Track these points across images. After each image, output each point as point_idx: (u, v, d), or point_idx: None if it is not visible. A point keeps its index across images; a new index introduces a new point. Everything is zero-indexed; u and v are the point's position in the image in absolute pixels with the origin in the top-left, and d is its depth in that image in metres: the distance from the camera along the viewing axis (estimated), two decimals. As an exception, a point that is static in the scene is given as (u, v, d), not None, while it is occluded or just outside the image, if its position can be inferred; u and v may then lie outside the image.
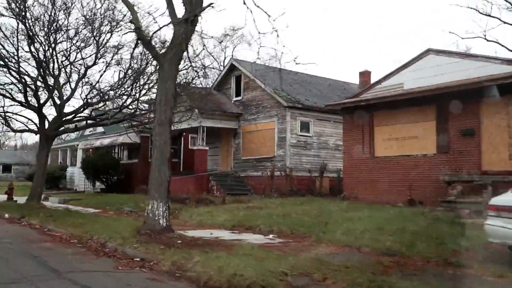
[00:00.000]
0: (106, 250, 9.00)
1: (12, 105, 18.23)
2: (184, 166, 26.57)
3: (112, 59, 16.96)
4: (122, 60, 17.13)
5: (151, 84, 16.62)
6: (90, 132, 36.00)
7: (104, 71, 17.18)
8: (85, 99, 17.32)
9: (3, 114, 19.03)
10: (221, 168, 23.38)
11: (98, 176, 25.93)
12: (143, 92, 17.18)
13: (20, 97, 17.54)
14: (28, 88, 16.85)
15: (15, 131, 19.33)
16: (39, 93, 17.55)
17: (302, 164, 20.27)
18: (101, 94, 16.69)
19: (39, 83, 17.39)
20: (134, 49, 11.49)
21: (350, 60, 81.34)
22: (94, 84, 17.18)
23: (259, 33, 10.43)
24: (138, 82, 16.52)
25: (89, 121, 18.45)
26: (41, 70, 16.16)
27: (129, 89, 16.82)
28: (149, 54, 14.68)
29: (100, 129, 35.18)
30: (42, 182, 17.69)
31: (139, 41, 10.23)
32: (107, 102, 17.11)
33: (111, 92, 17.34)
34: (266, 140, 21.01)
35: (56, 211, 15.73)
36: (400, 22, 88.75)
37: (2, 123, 19.32)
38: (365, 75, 26.86)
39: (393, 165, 15.81)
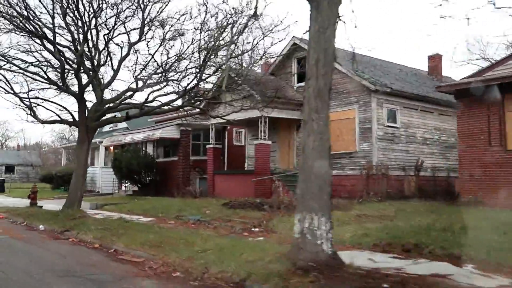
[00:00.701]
0: (254, 297, 5.55)
1: (43, 89, 14.66)
2: (229, 165, 23.11)
3: (170, 29, 13.44)
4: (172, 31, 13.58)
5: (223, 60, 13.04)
6: (110, 128, 32.52)
7: (160, 45, 13.65)
8: (136, 80, 13.81)
9: (28, 101, 15.49)
10: (280, 166, 19.88)
11: (132, 176, 22.42)
12: (209, 71, 13.65)
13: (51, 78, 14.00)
14: (66, 67, 13.28)
15: (44, 122, 15.75)
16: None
17: (391, 160, 16.79)
18: (159, 72, 13.13)
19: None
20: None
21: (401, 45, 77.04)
22: (147, 62, 13.65)
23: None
24: (210, 58, 12.94)
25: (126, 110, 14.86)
26: (87, 44, 12.68)
27: (197, 65, 13.27)
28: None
29: (122, 124, 31.73)
30: (83, 185, 14.15)
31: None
32: (167, 84, 13.58)
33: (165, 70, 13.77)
34: (342, 133, 17.50)
35: (108, 222, 12.18)
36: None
37: (27, 113, 15.71)
38: (435, 59, 23.40)
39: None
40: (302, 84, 19.54)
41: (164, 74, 13.30)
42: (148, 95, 13.82)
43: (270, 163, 18.40)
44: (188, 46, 13.56)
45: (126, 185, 23.84)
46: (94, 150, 32.92)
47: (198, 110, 15.39)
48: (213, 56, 12.99)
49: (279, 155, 20.19)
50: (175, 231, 10.81)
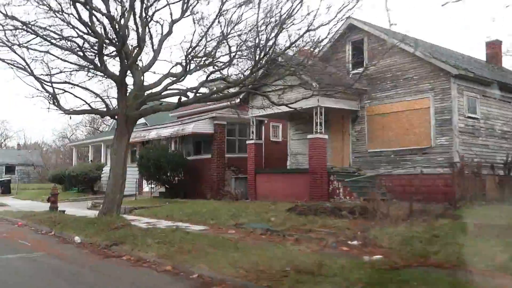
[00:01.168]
0: None
1: (72, 72, 12.24)
2: (266, 163, 20.73)
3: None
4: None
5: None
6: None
7: (219, 14, 11.25)
8: (186, 60, 11.44)
9: (50, 86, 13.06)
10: (333, 163, 17.51)
11: (160, 176, 20.07)
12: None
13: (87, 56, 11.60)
14: (105, 42, 10.86)
15: (70, 112, 13.37)
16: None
17: (474, 157, 14.45)
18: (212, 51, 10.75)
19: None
20: None
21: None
22: (202, 35, 11.28)
23: None
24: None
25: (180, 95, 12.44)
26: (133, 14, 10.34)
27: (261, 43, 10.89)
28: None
29: (140, 120, 29.36)
30: (123, 186, 11.73)
31: None
32: (231, 63, 11.20)
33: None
34: (413, 125, 15.18)
35: (163, 232, 9.76)
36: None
37: (50, 102, 13.29)
38: (494, 45, 21.06)
39: None
40: (358, 70, 17.22)
41: (229, 47, 10.93)
42: (207, 77, 11.43)
43: (326, 161, 16.05)
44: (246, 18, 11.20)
45: (152, 186, 21.46)
46: (109, 147, 30.54)
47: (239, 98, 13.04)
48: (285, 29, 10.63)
49: (332, 152, 17.81)
50: (256, 245, 8.47)
